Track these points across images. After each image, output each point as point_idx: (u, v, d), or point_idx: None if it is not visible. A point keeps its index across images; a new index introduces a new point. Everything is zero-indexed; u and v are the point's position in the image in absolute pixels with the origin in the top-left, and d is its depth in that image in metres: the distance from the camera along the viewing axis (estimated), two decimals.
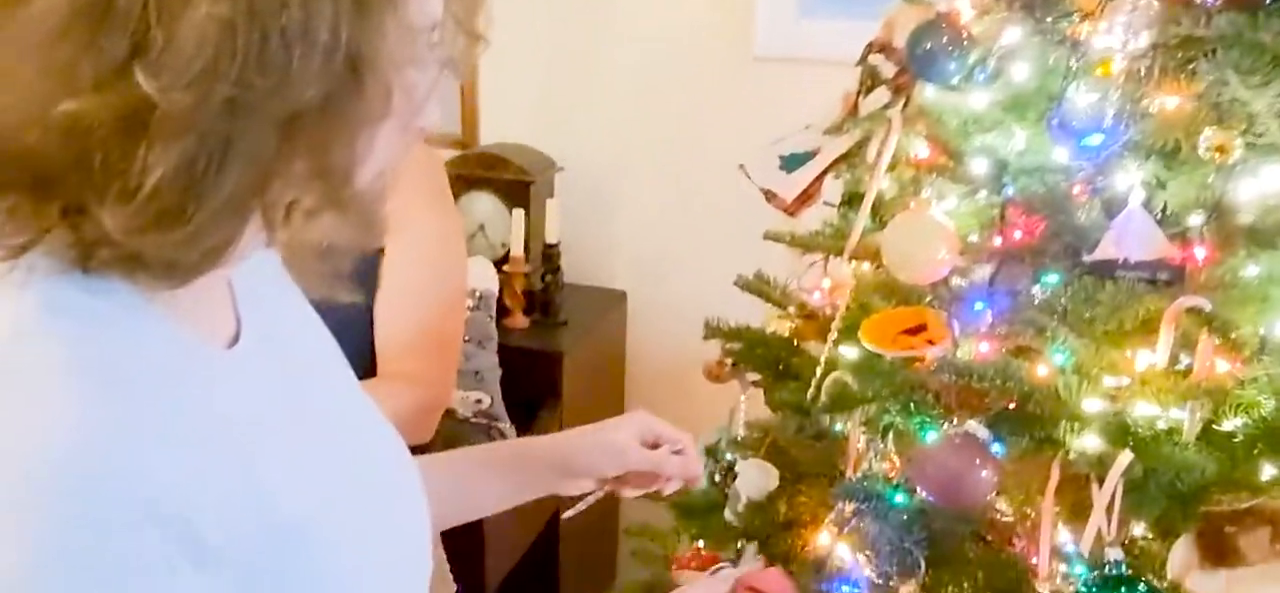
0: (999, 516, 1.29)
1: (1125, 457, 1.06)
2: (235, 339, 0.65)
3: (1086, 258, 1.13)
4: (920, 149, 1.24)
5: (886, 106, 1.29)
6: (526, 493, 1.01)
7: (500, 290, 2.18)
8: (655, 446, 0.99)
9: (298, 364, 0.71)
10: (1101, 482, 1.09)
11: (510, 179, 2.22)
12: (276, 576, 0.58)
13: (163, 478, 0.52)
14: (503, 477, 1.01)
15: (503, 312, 2.20)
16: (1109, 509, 1.11)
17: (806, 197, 1.38)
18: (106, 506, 0.50)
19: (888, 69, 1.30)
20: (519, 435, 2.03)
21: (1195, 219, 1.12)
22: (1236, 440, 1.12)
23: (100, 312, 0.55)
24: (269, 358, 0.66)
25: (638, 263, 2.44)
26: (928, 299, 1.29)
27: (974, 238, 1.28)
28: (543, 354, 2.21)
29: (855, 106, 1.35)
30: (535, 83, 2.38)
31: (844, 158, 1.34)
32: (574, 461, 0.99)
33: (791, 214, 1.41)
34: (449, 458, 1.04)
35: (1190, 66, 1.02)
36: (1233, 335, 1.02)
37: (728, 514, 1.48)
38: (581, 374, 2.28)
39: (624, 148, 2.38)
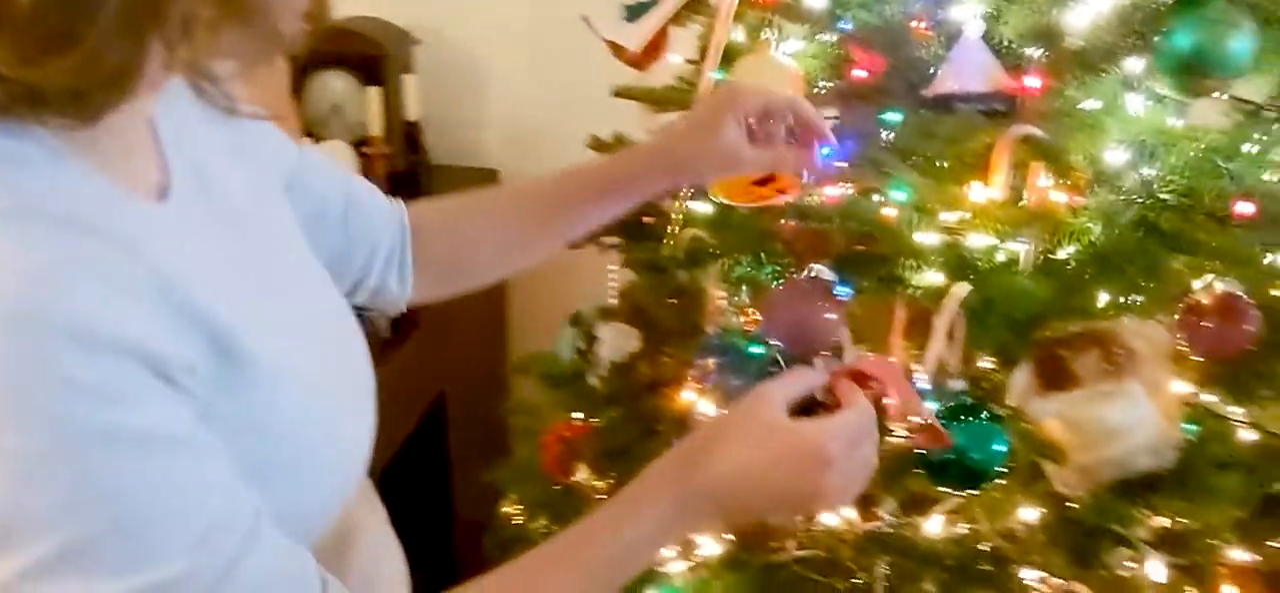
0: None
1: (961, 287, 1.07)
2: (166, 193, 0.63)
3: (925, 92, 1.12)
4: None
5: None
6: (632, 204, 0.99)
7: (361, 175, 2.09)
8: (764, 117, 0.93)
9: (237, 215, 0.69)
10: None
11: (364, 54, 2.11)
12: (236, 409, 0.58)
13: (113, 309, 0.51)
14: (602, 201, 0.97)
15: None
16: (952, 339, 1.13)
17: (653, 48, 1.33)
18: (65, 340, 0.49)
19: None
20: (393, 334, 1.95)
21: (1033, 50, 1.12)
22: (1069, 268, 1.15)
23: (18, 155, 0.53)
24: (204, 210, 0.65)
25: (508, 138, 2.37)
26: None
27: (823, 82, 1.26)
28: None
29: None
30: None
31: (689, 5, 1.30)
32: (683, 170, 0.95)
33: (640, 68, 1.37)
34: (526, 195, 0.99)
35: None
36: (1064, 164, 1.03)
37: (591, 379, 1.47)
38: None
39: (485, 16, 2.28)
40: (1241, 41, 1.00)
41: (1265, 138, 1.16)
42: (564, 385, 1.55)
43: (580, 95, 2.23)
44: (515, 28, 2.28)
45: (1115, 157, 1.12)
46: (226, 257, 0.64)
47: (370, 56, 2.11)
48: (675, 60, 1.44)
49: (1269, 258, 1.16)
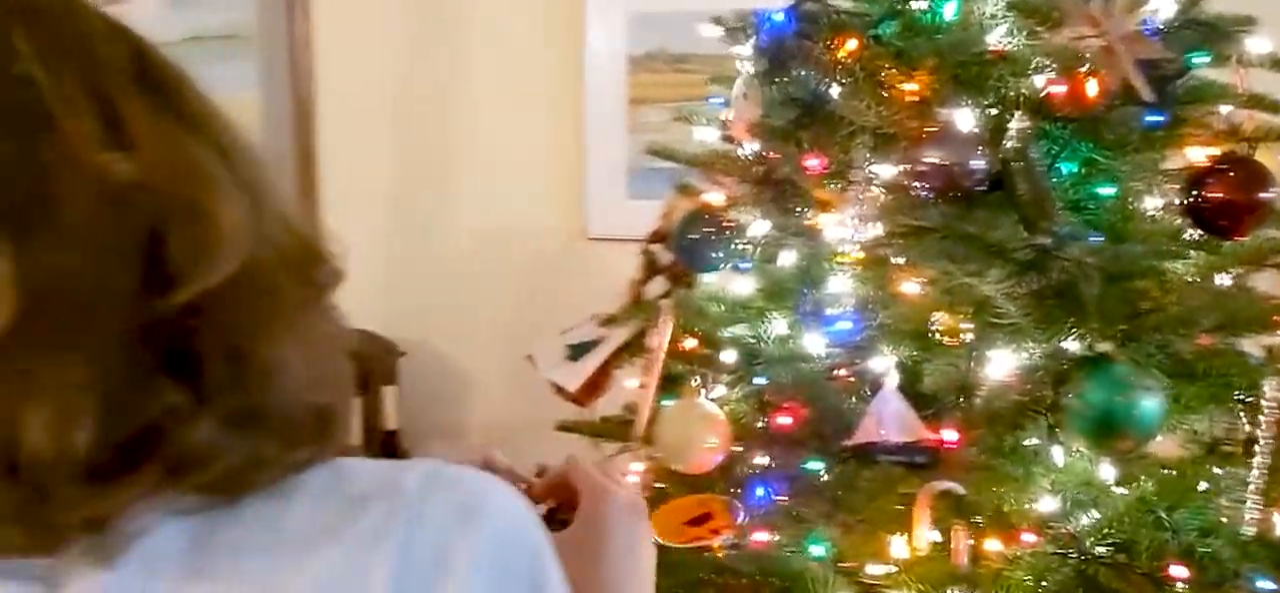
0: None
1: None
2: None
3: (847, 443, 1.12)
4: (690, 339, 1.24)
5: (665, 295, 1.29)
6: None
7: None
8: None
9: None
10: None
11: None
12: None
13: None
14: None
15: None
16: None
17: (594, 386, 1.36)
18: None
19: (665, 257, 1.31)
20: None
21: (949, 400, 1.13)
22: None
23: None
24: None
25: (489, 444, 2.38)
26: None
27: (760, 423, 1.27)
28: None
29: (639, 295, 1.35)
30: (376, 268, 2.36)
31: (627, 346, 1.33)
32: None
33: (581, 405, 1.39)
34: None
35: (921, 254, 1.04)
36: (976, 519, 1.01)
37: None
38: None
39: (466, 330, 2.35)
40: (1150, 402, 1.00)
41: (1215, 478, 1.14)
42: None
43: (552, 407, 2.27)
44: (492, 342, 2.34)
45: (1047, 505, 1.10)
46: None
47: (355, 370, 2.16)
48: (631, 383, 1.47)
49: None
